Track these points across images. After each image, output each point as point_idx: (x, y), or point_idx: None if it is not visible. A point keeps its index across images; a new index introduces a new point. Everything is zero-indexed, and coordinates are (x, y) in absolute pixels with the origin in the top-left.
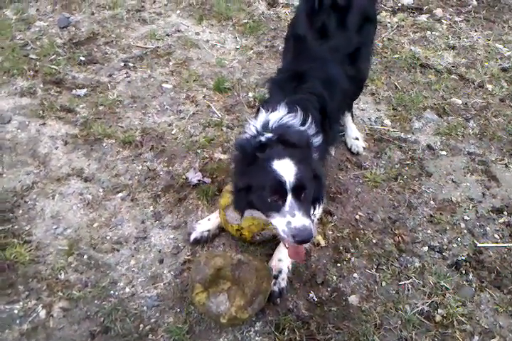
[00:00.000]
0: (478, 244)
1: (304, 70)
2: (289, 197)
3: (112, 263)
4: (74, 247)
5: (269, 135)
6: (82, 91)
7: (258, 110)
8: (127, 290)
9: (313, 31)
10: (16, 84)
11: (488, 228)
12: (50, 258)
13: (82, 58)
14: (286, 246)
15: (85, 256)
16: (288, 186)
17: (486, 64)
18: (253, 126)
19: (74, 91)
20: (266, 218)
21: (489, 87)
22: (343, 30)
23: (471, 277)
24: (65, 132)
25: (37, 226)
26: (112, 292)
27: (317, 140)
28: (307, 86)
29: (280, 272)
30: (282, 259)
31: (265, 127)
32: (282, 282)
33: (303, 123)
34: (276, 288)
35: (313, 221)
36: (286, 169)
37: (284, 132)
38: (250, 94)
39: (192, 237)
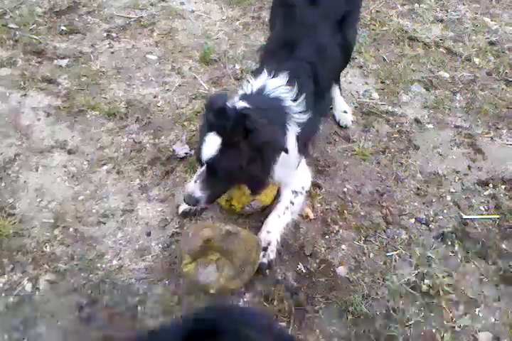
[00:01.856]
0: (464, 216)
1: (295, 38)
2: (203, 168)
3: (98, 236)
4: (59, 220)
5: (240, 106)
6: (64, 62)
7: (255, 72)
8: (114, 262)
9: None
10: None
11: (473, 200)
12: (34, 232)
13: (63, 28)
14: None
15: (71, 229)
16: (203, 160)
17: (474, 37)
18: (250, 85)
19: (55, 61)
20: None
21: (476, 60)
22: None
23: (456, 248)
24: (47, 103)
25: (20, 199)
26: (99, 265)
27: (304, 117)
28: (299, 53)
29: (269, 244)
30: (271, 231)
31: (260, 90)
32: (271, 254)
33: (295, 99)
34: (265, 260)
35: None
36: (210, 146)
37: (254, 112)
38: (237, 66)
39: (180, 209)
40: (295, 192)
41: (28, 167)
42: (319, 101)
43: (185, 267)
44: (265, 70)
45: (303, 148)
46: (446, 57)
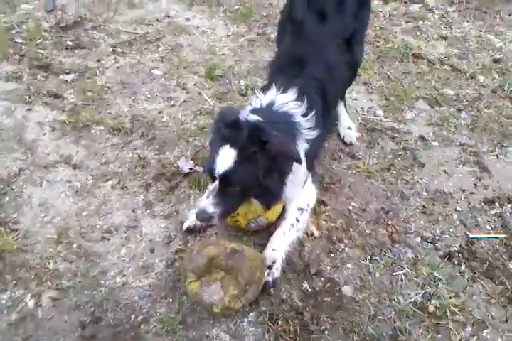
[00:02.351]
0: (471, 235)
1: (304, 54)
2: (216, 183)
3: (102, 252)
4: (63, 236)
5: (253, 118)
6: (70, 77)
7: (264, 87)
8: (118, 279)
9: (311, 15)
10: (1, 68)
11: (480, 219)
12: (38, 247)
13: (70, 43)
14: None
15: (74, 245)
16: (216, 174)
17: (478, 55)
18: (260, 100)
19: (61, 76)
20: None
21: (481, 78)
22: (340, 14)
23: (463, 268)
24: (52, 118)
25: (24, 214)
26: (102, 282)
27: (314, 133)
28: (308, 71)
29: (274, 262)
30: (276, 249)
31: (270, 105)
32: (276, 272)
33: (305, 115)
34: (270, 278)
35: (220, 217)
36: (224, 159)
37: (267, 125)
38: (242, 82)
39: (185, 226)
40: (301, 209)
41: (33, 182)
42: (326, 118)
43: (190, 285)
44: (274, 86)
45: (310, 164)
46: (451, 74)
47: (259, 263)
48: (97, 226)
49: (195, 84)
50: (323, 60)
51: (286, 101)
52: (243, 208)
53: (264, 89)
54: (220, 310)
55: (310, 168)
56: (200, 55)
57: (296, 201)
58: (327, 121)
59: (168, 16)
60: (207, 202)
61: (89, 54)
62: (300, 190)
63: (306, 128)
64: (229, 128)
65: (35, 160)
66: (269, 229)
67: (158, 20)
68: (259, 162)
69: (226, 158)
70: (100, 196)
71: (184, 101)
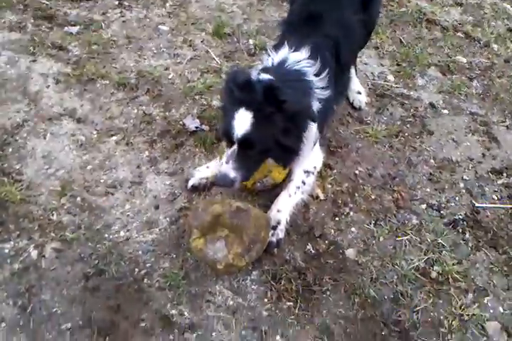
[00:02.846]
0: (476, 204)
1: (319, 12)
2: (234, 147)
3: (106, 206)
4: (66, 188)
5: (265, 78)
6: (75, 29)
7: (276, 46)
8: (122, 234)
9: None
10: (4, 17)
11: (486, 188)
12: (41, 199)
13: None
14: None
15: (78, 198)
16: (235, 138)
17: (493, 23)
18: (271, 58)
19: (66, 28)
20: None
21: (495, 46)
22: None
23: (467, 236)
24: (56, 70)
25: (28, 166)
26: (106, 235)
27: (326, 93)
28: (323, 29)
29: (279, 223)
30: (281, 210)
31: (282, 64)
32: (280, 233)
33: (317, 74)
34: (274, 239)
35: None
36: (241, 123)
37: (281, 83)
38: (251, 41)
39: (190, 184)
40: (307, 172)
41: (36, 134)
42: (339, 80)
43: (194, 242)
44: (286, 44)
45: (320, 126)
46: (465, 41)
47: (264, 223)
48: (101, 181)
49: (202, 42)
50: (338, 19)
51: (299, 59)
52: None
53: (276, 47)
54: (223, 267)
55: (320, 129)
56: (208, 12)
57: (302, 163)
58: (340, 82)
59: None
60: (227, 166)
61: (95, 6)
62: (308, 153)
63: (319, 87)
64: (242, 90)
65: (38, 112)
66: (274, 190)
67: None
68: (277, 122)
69: (243, 120)
70: (105, 151)
71: (191, 58)
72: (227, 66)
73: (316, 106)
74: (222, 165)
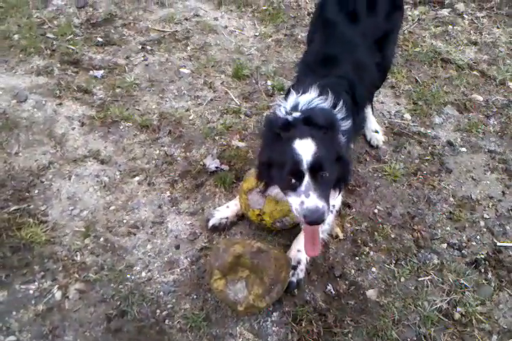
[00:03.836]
0: (498, 243)
1: (335, 54)
2: (306, 177)
3: (128, 246)
4: (90, 229)
5: (297, 114)
6: (100, 73)
7: (288, 92)
8: (143, 274)
9: (343, 15)
10: (32, 62)
11: (508, 227)
12: (66, 240)
13: (100, 39)
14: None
15: (102, 239)
16: (305, 166)
17: (508, 61)
18: (283, 107)
19: (91, 72)
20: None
21: (511, 84)
22: (372, 15)
23: (490, 276)
24: (81, 113)
25: (53, 207)
26: (128, 276)
27: (346, 124)
28: (338, 70)
29: (299, 263)
30: (301, 250)
31: (295, 109)
32: (300, 273)
33: (333, 107)
34: (294, 279)
35: (330, 209)
36: (305, 149)
37: (312, 112)
38: (269, 83)
39: (210, 224)
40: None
41: (61, 175)
42: (354, 119)
43: (215, 283)
44: (292, 90)
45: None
46: (480, 80)
47: (285, 263)
48: (124, 221)
49: (222, 83)
50: (353, 60)
51: (309, 99)
52: (269, 207)
53: (294, 87)
54: (244, 309)
55: None
56: (227, 55)
57: None
58: (355, 121)
59: (197, 15)
60: (312, 199)
61: (119, 51)
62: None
63: (340, 118)
64: (286, 130)
65: (64, 154)
66: (294, 229)
67: (187, 19)
68: (328, 142)
69: (306, 147)
70: (127, 191)
71: (211, 99)
72: (245, 106)
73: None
74: (301, 203)
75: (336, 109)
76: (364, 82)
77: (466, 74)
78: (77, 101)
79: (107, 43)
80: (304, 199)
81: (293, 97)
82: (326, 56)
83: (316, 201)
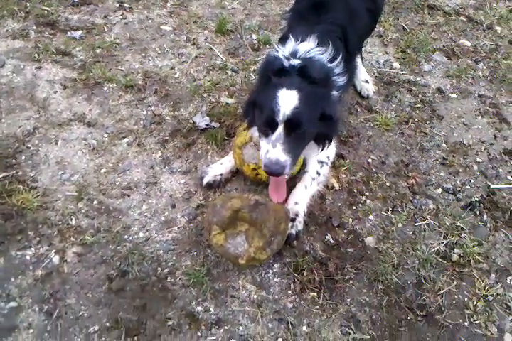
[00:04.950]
0: (492, 186)
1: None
2: (279, 129)
3: (123, 208)
4: (83, 193)
5: (295, 62)
6: (78, 34)
7: (284, 39)
8: (141, 234)
9: None
10: (7, 26)
11: (500, 170)
12: (58, 204)
13: None
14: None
15: (95, 202)
16: (281, 118)
17: (494, 5)
18: (281, 53)
19: (69, 33)
20: None
21: (498, 28)
22: None
23: (485, 218)
24: (62, 76)
25: (42, 173)
26: (126, 237)
27: (343, 79)
28: (330, 16)
29: (297, 215)
30: (298, 202)
31: (293, 55)
32: (299, 225)
33: (332, 60)
34: (293, 231)
35: (294, 164)
36: (288, 101)
37: (309, 63)
38: (254, 37)
39: (204, 181)
40: (321, 163)
41: (48, 140)
42: (348, 68)
43: (214, 238)
44: (291, 36)
45: None
46: (467, 25)
47: (283, 215)
48: (117, 183)
49: (205, 40)
50: (345, 6)
51: (308, 48)
52: None
53: (284, 37)
54: (245, 262)
55: None
56: (209, 10)
57: (316, 154)
58: (348, 70)
59: None
60: (276, 150)
61: (96, 10)
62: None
63: (336, 73)
64: (279, 75)
65: (48, 119)
66: (291, 182)
67: None
68: (316, 99)
69: (288, 100)
70: (117, 153)
71: (195, 57)
72: (232, 62)
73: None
74: (266, 151)
75: (334, 63)
76: (356, 28)
77: (453, 19)
78: (57, 64)
79: (83, 3)
80: (269, 149)
81: (291, 44)
82: (317, 2)
83: (279, 154)
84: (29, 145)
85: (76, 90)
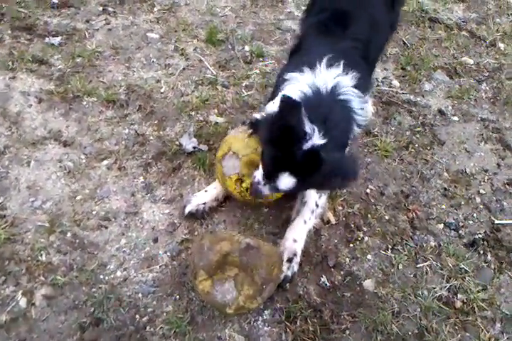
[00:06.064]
0: (496, 221)
1: (347, 10)
2: (270, 180)
3: (99, 242)
4: (55, 224)
5: (318, 143)
6: (57, 40)
7: (295, 51)
8: (119, 273)
9: None
10: None
11: (505, 203)
12: (28, 237)
13: (55, 1)
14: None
15: (69, 234)
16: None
17: (498, 20)
18: (312, 81)
19: (47, 39)
20: None
21: (501, 45)
22: None
23: (489, 257)
24: (38, 87)
25: (11, 199)
26: (101, 276)
27: (364, 116)
28: (353, 30)
29: (295, 254)
30: (297, 240)
31: (332, 94)
32: (296, 266)
33: (358, 94)
34: (289, 273)
35: None
36: (283, 182)
37: (330, 136)
38: (246, 48)
39: (186, 210)
40: (319, 192)
41: (19, 161)
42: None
43: (200, 284)
44: (317, 59)
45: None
46: (470, 41)
47: (277, 260)
48: (93, 213)
49: (195, 50)
50: (369, 18)
51: (345, 84)
52: (246, 168)
53: (297, 49)
54: (233, 311)
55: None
56: (199, 17)
57: None
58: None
59: None
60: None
61: (77, 13)
62: None
63: (359, 109)
64: (282, 139)
65: (21, 136)
66: (282, 213)
67: None
68: (315, 179)
69: (285, 180)
70: (95, 178)
71: (183, 68)
72: (222, 76)
73: (355, 131)
74: (258, 180)
75: (359, 98)
76: (378, 44)
77: (455, 34)
78: (32, 74)
79: (63, 5)
80: (260, 182)
81: (308, 77)
82: (335, 12)
83: (262, 188)
84: None
85: (52, 104)
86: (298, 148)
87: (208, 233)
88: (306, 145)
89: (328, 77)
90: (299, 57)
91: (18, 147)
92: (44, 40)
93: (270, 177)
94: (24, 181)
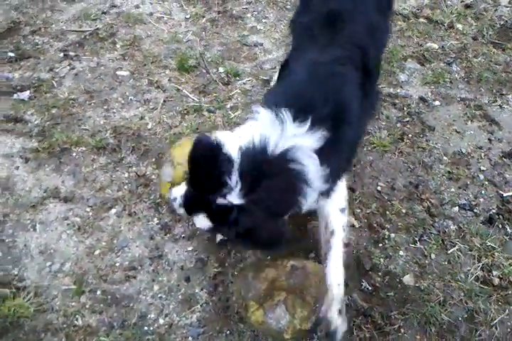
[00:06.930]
0: (504, 194)
1: (342, 10)
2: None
3: (132, 293)
4: (82, 284)
5: (234, 202)
6: (25, 94)
7: (284, 66)
8: (162, 321)
9: None
10: None
11: (507, 175)
12: (57, 303)
13: (11, 54)
14: None
15: (98, 292)
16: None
17: (449, 2)
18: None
19: (15, 95)
20: None
21: (459, 26)
22: None
23: (509, 230)
24: (20, 147)
25: (27, 268)
26: (145, 328)
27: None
28: (348, 33)
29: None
30: (340, 283)
31: (260, 158)
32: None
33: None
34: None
35: None
36: (201, 223)
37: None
38: (221, 69)
39: (218, 238)
40: (342, 209)
41: (23, 227)
42: (367, 98)
43: (253, 315)
44: (284, 113)
45: (348, 163)
46: (429, 27)
47: (323, 275)
48: (117, 265)
49: (169, 80)
50: (365, 19)
51: (301, 150)
52: (178, 173)
53: (284, 66)
54: (291, 336)
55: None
56: (164, 46)
57: (335, 201)
58: (367, 98)
59: (115, 6)
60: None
61: (38, 63)
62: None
63: (316, 183)
64: (201, 178)
65: (18, 201)
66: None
67: (104, 13)
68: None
69: (200, 221)
70: (108, 228)
71: (164, 101)
72: (205, 102)
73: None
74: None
75: (316, 174)
76: (378, 48)
77: (414, 23)
78: (10, 134)
79: (21, 57)
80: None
81: (267, 122)
82: (328, 12)
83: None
84: (3, 238)
85: (41, 161)
86: (213, 198)
87: (247, 263)
88: (221, 201)
89: (287, 134)
90: (280, 84)
91: (17, 213)
92: (12, 97)
93: (188, 209)
94: (35, 246)
